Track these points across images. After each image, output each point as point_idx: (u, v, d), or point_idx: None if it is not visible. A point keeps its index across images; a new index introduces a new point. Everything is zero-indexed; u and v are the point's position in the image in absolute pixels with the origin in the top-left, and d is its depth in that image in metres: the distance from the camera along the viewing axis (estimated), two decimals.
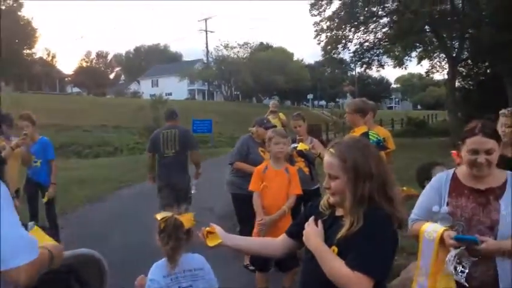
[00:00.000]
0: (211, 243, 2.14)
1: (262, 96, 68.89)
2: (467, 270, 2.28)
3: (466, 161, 2.46)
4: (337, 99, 78.75)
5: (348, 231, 1.81)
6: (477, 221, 2.41)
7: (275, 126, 5.91)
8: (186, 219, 2.59)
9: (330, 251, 1.87)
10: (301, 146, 5.17)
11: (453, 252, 2.32)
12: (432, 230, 2.42)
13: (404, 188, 3.77)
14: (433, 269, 2.38)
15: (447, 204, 2.47)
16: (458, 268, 2.30)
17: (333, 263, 1.83)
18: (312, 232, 1.96)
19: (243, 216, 5.26)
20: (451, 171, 2.65)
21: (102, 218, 8.34)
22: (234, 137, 25.63)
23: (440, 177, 2.62)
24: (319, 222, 1.99)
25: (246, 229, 5.02)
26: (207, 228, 2.18)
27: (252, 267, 5.28)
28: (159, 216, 2.61)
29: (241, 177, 5.33)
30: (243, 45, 58.57)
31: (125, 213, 8.75)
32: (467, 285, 2.31)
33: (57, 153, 7.11)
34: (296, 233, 2.11)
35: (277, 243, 2.24)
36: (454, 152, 2.94)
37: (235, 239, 2.32)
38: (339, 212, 1.97)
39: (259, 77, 56.39)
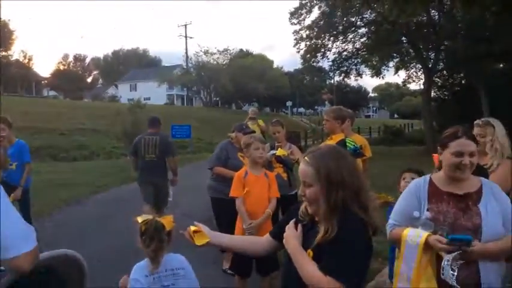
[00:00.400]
0: (198, 242, 2.16)
1: (241, 102, 68.96)
2: (456, 274, 2.32)
3: (451, 163, 2.49)
4: (316, 107, 79.38)
5: (322, 238, 1.88)
6: (460, 226, 2.44)
7: (254, 132, 5.97)
8: (167, 221, 2.64)
9: (305, 254, 1.93)
10: (279, 152, 5.23)
11: (448, 256, 2.32)
12: (414, 235, 2.42)
13: (381, 195, 3.86)
14: (416, 274, 2.38)
15: (427, 210, 2.50)
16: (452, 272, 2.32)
17: (307, 266, 1.89)
18: (291, 235, 2.03)
19: (223, 221, 5.29)
20: (427, 177, 2.68)
21: (79, 221, 8.26)
22: (213, 143, 25.58)
23: (417, 183, 2.64)
24: (299, 226, 2.05)
25: (225, 233, 5.06)
26: (193, 228, 2.21)
27: (230, 272, 5.31)
28: (139, 219, 2.65)
29: (221, 182, 5.37)
30: (222, 51, 58.55)
31: (102, 217, 8.68)
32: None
33: (33, 156, 7.03)
34: (279, 234, 2.17)
35: (262, 242, 2.32)
36: (435, 155, 3.04)
37: (221, 237, 2.39)
38: (317, 217, 2.03)
39: (238, 84, 56.42)
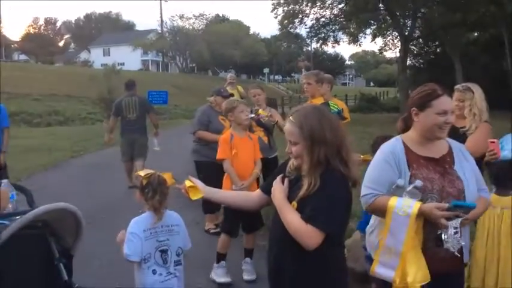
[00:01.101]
0: (194, 196, 2.28)
1: (218, 69, 68.33)
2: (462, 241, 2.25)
3: (435, 123, 2.35)
4: (293, 74, 79.30)
5: (306, 191, 2.02)
6: (446, 193, 2.33)
7: (232, 95, 6.05)
8: (168, 176, 2.76)
9: (289, 206, 2.08)
10: (261, 112, 5.30)
11: (453, 222, 2.21)
12: (404, 205, 2.24)
13: (362, 156, 4.00)
14: (406, 246, 2.23)
15: (412, 177, 2.34)
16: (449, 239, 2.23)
17: (290, 216, 2.04)
18: (278, 189, 2.17)
19: (207, 183, 5.41)
20: (399, 140, 2.48)
21: (60, 185, 8.26)
22: (190, 109, 25.46)
23: (393, 149, 2.42)
24: (286, 180, 2.18)
25: None
26: (188, 183, 2.31)
27: (213, 231, 5.48)
28: (142, 173, 2.75)
29: (205, 145, 5.47)
30: (198, 16, 57.78)
31: (82, 180, 8.71)
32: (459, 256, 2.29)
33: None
34: (268, 189, 2.29)
35: (253, 197, 2.44)
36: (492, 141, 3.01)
37: (216, 192, 2.52)
38: (303, 172, 2.17)
39: (215, 50, 55.80)
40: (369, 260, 2.52)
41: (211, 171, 4.80)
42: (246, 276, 4.37)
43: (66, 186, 8.16)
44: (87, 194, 7.58)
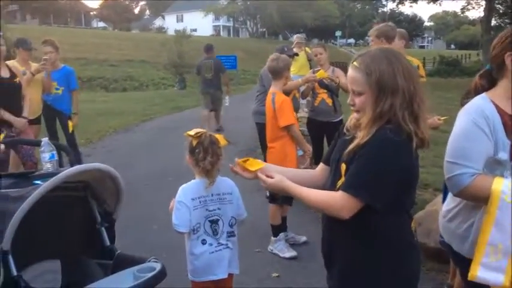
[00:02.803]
0: (252, 167, 1.91)
1: (288, 33, 67.21)
2: None
3: None
4: (366, 37, 76.32)
5: (356, 145, 1.67)
6: None
7: (297, 54, 5.70)
8: (220, 137, 2.47)
9: (301, 188, 1.77)
10: (319, 74, 4.95)
11: None
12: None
13: (441, 118, 3.59)
14: None
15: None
16: None
17: (311, 194, 1.75)
18: (274, 183, 1.81)
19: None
20: (486, 100, 1.94)
21: (128, 147, 8.50)
22: (259, 74, 24.95)
23: (483, 110, 1.90)
24: (336, 141, 1.89)
25: None
26: (240, 160, 1.97)
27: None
28: (191, 132, 2.44)
29: None
30: None
31: (149, 143, 8.89)
32: None
33: (84, 87, 7.18)
34: (330, 159, 1.97)
35: (317, 173, 2.05)
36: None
37: (275, 167, 2.08)
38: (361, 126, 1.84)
39: (285, 13, 54.68)
40: (445, 245, 2.12)
41: None
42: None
43: (135, 149, 8.36)
44: (154, 156, 7.72)
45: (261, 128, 5.40)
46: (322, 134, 5.47)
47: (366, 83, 1.69)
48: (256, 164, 1.92)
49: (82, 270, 2.29)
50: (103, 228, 2.32)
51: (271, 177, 1.82)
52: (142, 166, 7.10)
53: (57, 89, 5.95)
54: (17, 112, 4.67)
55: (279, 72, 4.07)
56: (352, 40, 73.85)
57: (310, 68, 7.40)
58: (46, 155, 2.24)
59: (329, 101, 5.30)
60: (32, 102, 5.59)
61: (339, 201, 1.66)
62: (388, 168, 1.64)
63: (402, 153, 1.66)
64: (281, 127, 3.97)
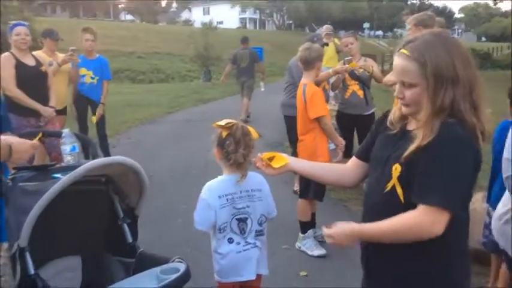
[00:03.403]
0: (276, 164, 1.77)
1: (315, 25, 66.47)
2: None
3: None
4: (395, 29, 74.88)
5: (416, 147, 1.46)
6: None
7: (327, 44, 5.50)
8: (252, 130, 2.27)
9: (371, 226, 1.53)
10: (351, 64, 4.76)
11: None
12: None
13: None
14: None
15: None
16: None
17: (384, 226, 1.49)
18: (339, 233, 1.58)
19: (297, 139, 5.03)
20: None
21: (154, 139, 8.45)
22: (285, 67, 24.66)
23: None
24: (381, 136, 1.70)
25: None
26: (265, 154, 1.81)
27: None
28: (222, 123, 2.22)
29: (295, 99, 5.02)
30: None
31: (175, 135, 8.82)
32: None
33: (112, 78, 7.07)
34: (365, 154, 1.80)
35: (349, 169, 1.86)
36: None
37: (301, 162, 1.94)
38: (410, 126, 1.61)
39: (312, 5, 54.06)
40: (491, 244, 1.93)
41: None
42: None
43: (160, 141, 8.30)
44: (179, 149, 7.64)
45: (290, 121, 5.23)
46: (352, 128, 5.28)
47: (420, 73, 1.49)
48: (281, 159, 1.78)
49: (103, 268, 2.19)
50: (125, 225, 2.21)
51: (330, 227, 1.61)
52: (166, 158, 7.03)
53: (92, 78, 5.89)
54: (44, 101, 4.64)
55: (310, 63, 3.89)
56: (380, 32, 72.51)
57: (339, 60, 7.20)
58: (67, 147, 2.13)
59: (360, 93, 5.11)
60: (58, 92, 5.57)
61: (425, 218, 1.43)
62: (467, 170, 1.46)
63: (474, 150, 1.47)
64: (312, 119, 3.81)
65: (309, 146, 3.87)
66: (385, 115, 1.75)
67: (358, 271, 3.30)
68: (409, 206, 1.48)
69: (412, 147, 1.48)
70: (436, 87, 1.47)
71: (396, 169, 1.52)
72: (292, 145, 5.53)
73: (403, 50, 1.53)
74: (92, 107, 6.05)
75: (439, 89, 1.47)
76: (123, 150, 7.47)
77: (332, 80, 5.17)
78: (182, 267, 1.95)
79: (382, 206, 1.58)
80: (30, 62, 4.54)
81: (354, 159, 1.86)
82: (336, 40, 9.17)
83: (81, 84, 5.88)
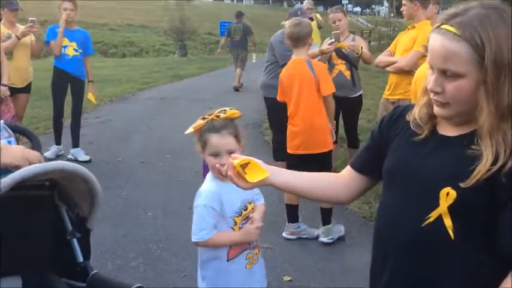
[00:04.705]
0: (252, 178, 1.32)
1: (293, 0, 65.59)
2: None
3: None
4: (373, 6, 74.51)
5: (492, 168, 1.06)
6: None
7: (311, 19, 5.07)
8: (230, 112, 1.94)
9: None
10: (339, 45, 4.39)
11: None
12: None
13: None
14: None
15: None
16: None
17: None
18: None
19: (278, 122, 4.63)
20: None
21: (123, 119, 7.90)
22: (263, 43, 24.17)
23: None
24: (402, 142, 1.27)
25: (280, 136, 4.46)
26: (238, 161, 1.33)
27: None
28: (192, 127, 1.91)
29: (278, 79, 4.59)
30: None
31: (147, 115, 8.26)
32: None
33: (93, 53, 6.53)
34: (366, 164, 1.41)
35: (343, 181, 1.44)
36: None
37: (284, 175, 1.43)
38: (444, 130, 1.21)
39: None
40: None
41: (283, 109, 4.02)
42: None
43: (131, 120, 7.79)
44: (152, 130, 7.15)
45: (271, 103, 4.81)
46: (337, 110, 4.90)
47: (472, 59, 1.08)
48: (257, 170, 1.33)
49: None
50: (74, 240, 1.78)
51: None
52: (138, 141, 6.53)
53: (75, 50, 5.35)
54: None
55: (303, 39, 3.54)
56: (358, 9, 72.07)
57: (321, 36, 6.78)
58: (1, 142, 1.69)
59: (347, 74, 4.73)
60: (20, 68, 5.06)
61: None
62: None
63: None
64: (324, 96, 3.53)
65: (324, 129, 3.57)
66: (396, 113, 1.35)
67: (349, 277, 3.01)
68: (461, 244, 1.11)
69: (482, 168, 1.07)
70: (498, 77, 1.07)
71: (449, 195, 1.11)
72: (273, 128, 5.14)
73: (447, 26, 1.10)
74: (74, 84, 5.49)
75: (502, 82, 1.07)
76: (91, 131, 6.96)
77: (317, 59, 4.76)
78: None
79: (418, 243, 1.17)
80: None
81: (349, 170, 1.44)
82: (318, 15, 8.75)
83: (62, 57, 5.33)
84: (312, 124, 3.53)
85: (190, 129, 1.91)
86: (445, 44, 1.10)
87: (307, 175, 1.46)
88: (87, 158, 5.46)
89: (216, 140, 1.87)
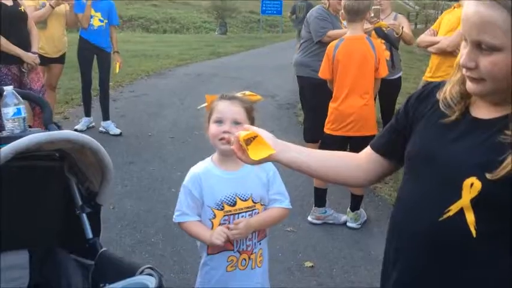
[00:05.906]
0: (254, 155, 1.21)
1: None
2: None
3: None
4: None
5: None
6: None
7: None
8: (250, 95, 1.80)
9: None
10: (378, 24, 4.14)
11: None
12: None
13: None
14: None
15: None
16: None
17: None
18: None
19: (311, 103, 4.46)
20: None
21: (156, 94, 7.87)
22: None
23: None
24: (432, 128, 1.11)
25: (311, 117, 4.45)
26: (244, 134, 1.21)
27: None
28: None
29: (313, 57, 4.39)
30: None
31: (181, 90, 8.19)
32: None
33: (124, 26, 6.56)
34: (387, 147, 1.27)
35: (360, 161, 1.30)
36: None
37: (293, 151, 1.26)
38: (478, 112, 1.06)
39: None
40: None
41: (317, 89, 3.84)
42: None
43: (164, 96, 7.76)
44: (182, 106, 7.09)
45: (304, 82, 4.65)
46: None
47: (509, 32, 0.92)
48: (263, 146, 1.21)
49: (56, 267, 1.73)
50: (84, 215, 1.73)
51: None
52: (169, 116, 6.49)
53: (101, 21, 5.30)
54: (25, 45, 4.13)
55: (363, 11, 3.26)
56: None
57: None
58: (9, 110, 1.63)
59: (386, 54, 4.47)
60: (54, 38, 5.06)
61: None
62: None
63: None
64: (379, 77, 3.39)
65: (372, 111, 3.43)
66: (426, 91, 1.19)
67: (373, 265, 2.87)
68: (483, 243, 0.98)
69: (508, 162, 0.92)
70: None
71: (473, 187, 0.97)
72: (304, 108, 4.99)
73: None
74: (100, 55, 5.46)
75: None
76: (125, 104, 6.99)
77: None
78: (151, 283, 1.43)
79: (434, 239, 1.03)
80: (7, 1, 3.99)
81: (368, 152, 1.30)
82: None
83: (83, 29, 5.31)
84: (366, 105, 3.35)
85: (203, 105, 1.80)
86: (481, 11, 0.94)
87: (319, 153, 1.34)
88: (118, 131, 5.47)
89: (223, 105, 1.71)
